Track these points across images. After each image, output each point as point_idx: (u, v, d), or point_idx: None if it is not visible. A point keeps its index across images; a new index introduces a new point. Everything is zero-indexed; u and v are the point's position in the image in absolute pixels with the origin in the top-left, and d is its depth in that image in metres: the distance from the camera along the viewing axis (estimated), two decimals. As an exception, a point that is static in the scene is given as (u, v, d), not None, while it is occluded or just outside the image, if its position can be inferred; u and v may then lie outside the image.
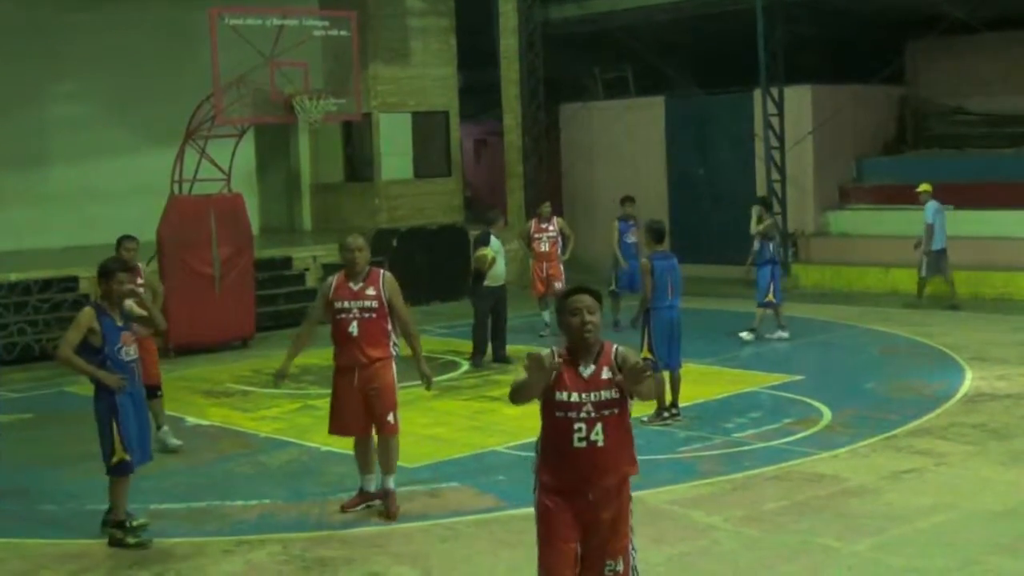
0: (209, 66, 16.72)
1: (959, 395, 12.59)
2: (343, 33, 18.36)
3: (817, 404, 12.30)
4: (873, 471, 9.83)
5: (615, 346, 5.73)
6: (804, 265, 22.45)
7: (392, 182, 24.35)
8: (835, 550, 8.01)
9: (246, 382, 15.11)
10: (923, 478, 9.64)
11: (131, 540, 8.54)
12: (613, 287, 17.87)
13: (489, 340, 15.62)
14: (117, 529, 8.61)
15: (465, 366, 15.38)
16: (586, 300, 5.63)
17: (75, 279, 17.90)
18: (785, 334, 16.57)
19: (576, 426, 5.58)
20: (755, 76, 22.46)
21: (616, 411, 5.65)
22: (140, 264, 11.57)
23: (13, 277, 17.61)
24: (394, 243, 21.69)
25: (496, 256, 15.43)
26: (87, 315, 8.61)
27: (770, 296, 16.48)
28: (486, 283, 15.46)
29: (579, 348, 5.65)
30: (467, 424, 12.25)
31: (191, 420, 12.94)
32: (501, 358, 15.46)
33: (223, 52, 16.54)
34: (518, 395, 5.61)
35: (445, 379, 14.58)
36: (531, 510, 8.81)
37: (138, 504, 9.50)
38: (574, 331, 5.63)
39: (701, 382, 13.35)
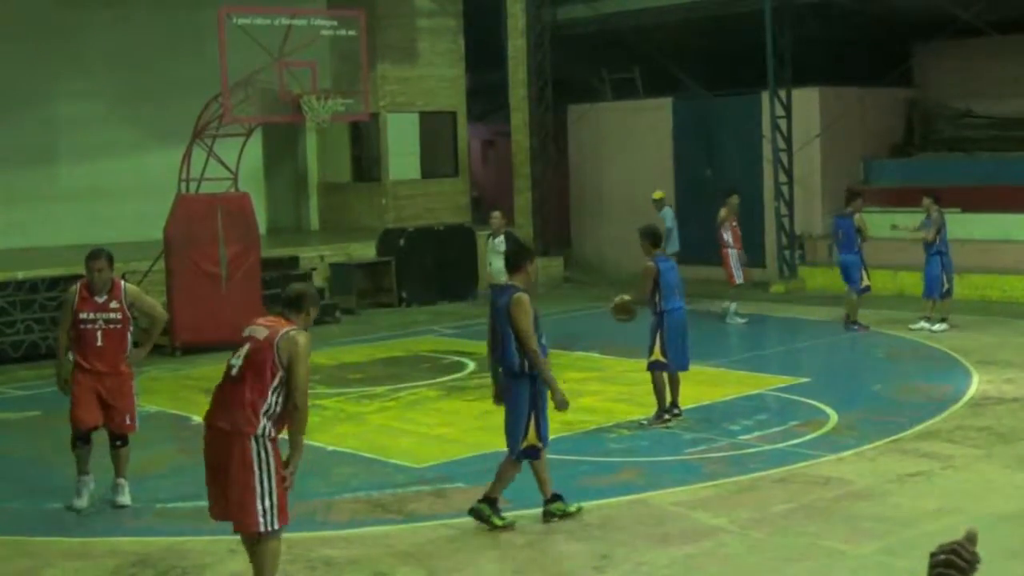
0: (217, 65, 16.73)
1: (966, 398, 12.56)
2: (351, 33, 18.37)
3: (823, 407, 12.27)
4: (879, 474, 9.81)
5: None
6: (811, 267, 22.43)
7: (399, 182, 24.39)
8: (841, 553, 8.00)
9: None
10: (929, 481, 9.62)
11: (497, 520, 8.62)
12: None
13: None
14: (486, 505, 8.65)
15: (471, 366, 15.38)
16: None
17: (82, 277, 17.89)
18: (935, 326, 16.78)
19: None
20: (763, 78, 22.44)
21: None
22: (120, 281, 9.76)
23: (20, 275, 17.62)
24: (401, 243, 21.70)
25: (490, 256, 15.70)
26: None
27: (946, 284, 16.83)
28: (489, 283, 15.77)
29: None
30: (473, 424, 12.24)
31: (197, 419, 12.90)
32: None
33: (231, 51, 16.55)
34: None
35: (451, 379, 14.59)
36: (537, 510, 8.86)
37: (145, 503, 9.53)
38: None
39: (707, 384, 13.33)
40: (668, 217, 20.22)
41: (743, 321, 18.17)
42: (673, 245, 19.83)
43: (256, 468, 6.93)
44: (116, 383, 9.46)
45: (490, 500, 8.68)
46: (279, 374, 6.98)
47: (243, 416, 6.93)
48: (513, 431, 8.66)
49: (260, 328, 7.20)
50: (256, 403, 6.95)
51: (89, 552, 8.54)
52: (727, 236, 18.44)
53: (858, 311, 17.26)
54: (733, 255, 18.41)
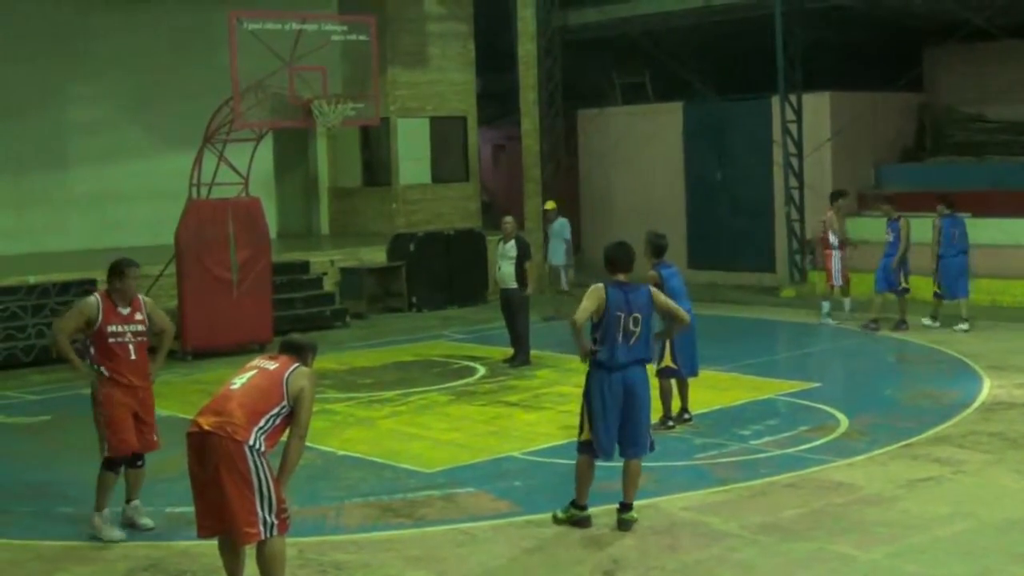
0: (228, 70, 16.77)
1: (977, 403, 12.53)
2: (362, 38, 18.42)
3: (834, 411, 12.26)
4: (890, 479, 9.80)
5: None
6: (821, 272, 22.37)
7: (410, 187, 24.40)
8: (852, 558, 7.99)
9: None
10: (940, 486, 9.61)
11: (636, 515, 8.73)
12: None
13: (519, 342, 15.70)
14: (627, 511, 8.73)
15: (482, 371, 15.39)
16: None
17: (93, 282, 17.87)
18: (964, 326, 17.01)
19: None
20: (773, 82, 22.43)
21: None
22: (140, 297, 9.22)
23: (31, 279, 17.67)
24: (411, 248, 21.72)
25: (500, 261, 15.83)
26: None
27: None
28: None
29: None
30: (483, 429, 12.25)
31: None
32: (515, 363, 15.48)
33: (242, 56, 16.60)
34: None
35: (461, 384, 14.60)
36: (547, 515, 8.87)
37: (155, 507, 9.53)
38: None
39: (718, 389, 13.32)
40: (565, 228, 20.14)
41: (835, 323, 18.07)
42: (565, 257, 19.93)
43: (255, 477, 6.97)
44: (148, 396, 9.16)
45: (626, 506, 8.74)
46: (282, 404, 7.14)
47: (238, 425, 6.98)
48: (648, 424, 8.81)
49: (269, 361, 7.38)
50: (252, 418, 7.04)
51: (101, 556, 8.55)
52: (833, 239, 18.34)
53: (878, 310, 17.32)
54: (836, 257, 18.32)
